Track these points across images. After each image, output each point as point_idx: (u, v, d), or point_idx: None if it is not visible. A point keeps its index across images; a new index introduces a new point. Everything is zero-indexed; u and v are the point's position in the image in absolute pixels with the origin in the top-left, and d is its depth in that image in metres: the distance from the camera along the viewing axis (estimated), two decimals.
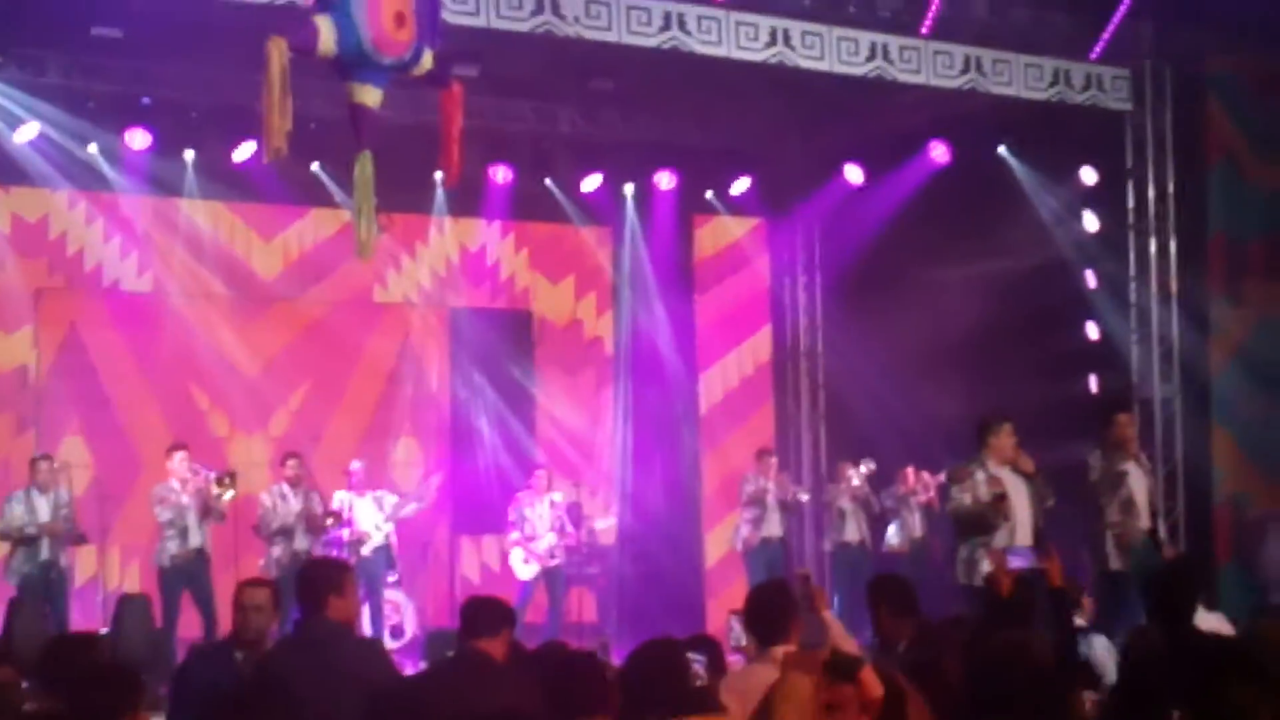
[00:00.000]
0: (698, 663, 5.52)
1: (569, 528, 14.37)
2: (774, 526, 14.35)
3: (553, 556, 14.04)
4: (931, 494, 14.42)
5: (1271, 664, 6.10)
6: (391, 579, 14.22)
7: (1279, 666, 6.32)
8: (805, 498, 15.51)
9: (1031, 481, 10.04)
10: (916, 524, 14.66)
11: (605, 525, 15.56)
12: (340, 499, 13.67)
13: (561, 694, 4.72)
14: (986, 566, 9.64)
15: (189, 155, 14.59)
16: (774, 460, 14.75)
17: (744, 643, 6.83)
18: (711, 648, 5.79)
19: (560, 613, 14.20)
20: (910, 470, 14.59)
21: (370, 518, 13.73)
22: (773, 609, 5.97)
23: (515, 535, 14.12)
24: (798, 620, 6.00)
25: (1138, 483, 10.87)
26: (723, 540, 15.84)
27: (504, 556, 14.61)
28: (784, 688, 4.40)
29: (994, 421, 10.05)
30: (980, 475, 9.93)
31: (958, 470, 10.25)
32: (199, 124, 14.24)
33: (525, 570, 14.06)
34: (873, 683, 4.62)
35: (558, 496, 14.46)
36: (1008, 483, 9.91)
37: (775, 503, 14.32)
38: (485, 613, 6.12)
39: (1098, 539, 10.66)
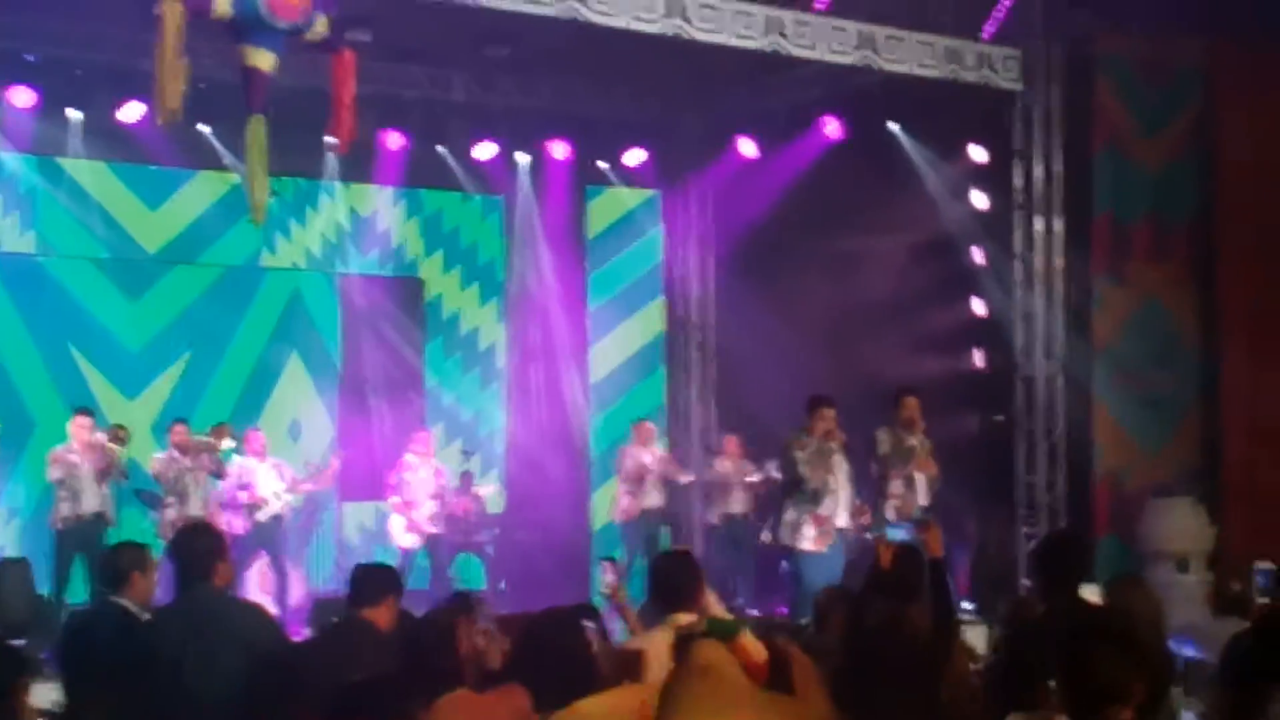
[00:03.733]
0: (589, 629, 5.60)
1: (450, 496, 14.37)
2: (654, 497, 14.42)
3: (433, 524, 14.04)
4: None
5: (1140, 632, 6.26)
6: None
7: (1147, 635, 6.49)
8: (686, 480, 15.46)
9: (847, 457, 10.74)
10: None
11: (487, 490, 15.49)
12: (241, 464, 13.56)
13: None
14: (811, 532, 10.13)
15: (74, 114, 14.33)
16: (651, 428, 14.79)
17: (613, 589, 6.93)
18: (595, 615, 5.87)
19: (445, 579, 14.20)
20: None
21: (270, 484, 13.62)
22: (678, 577, 6.05)
23: (395, 500, 14.12)
24: (702, 589, 6.09)
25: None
26: (608, 509, 15.91)
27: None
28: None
29: (817, 404, 10.79)
30: (814, 446, 10.43)
31: (794, 437, 10.86)
32: (85, 83, 13.98)
33: (406, 538, 14.06)
34: (753, 647, 4.66)
35: (440, 463, 14.47)
36: (832, 458, 10.53)
37: (655, 477, 14.39)
38: (371, 580, 6.13)
39: (879, 506, 11.29)
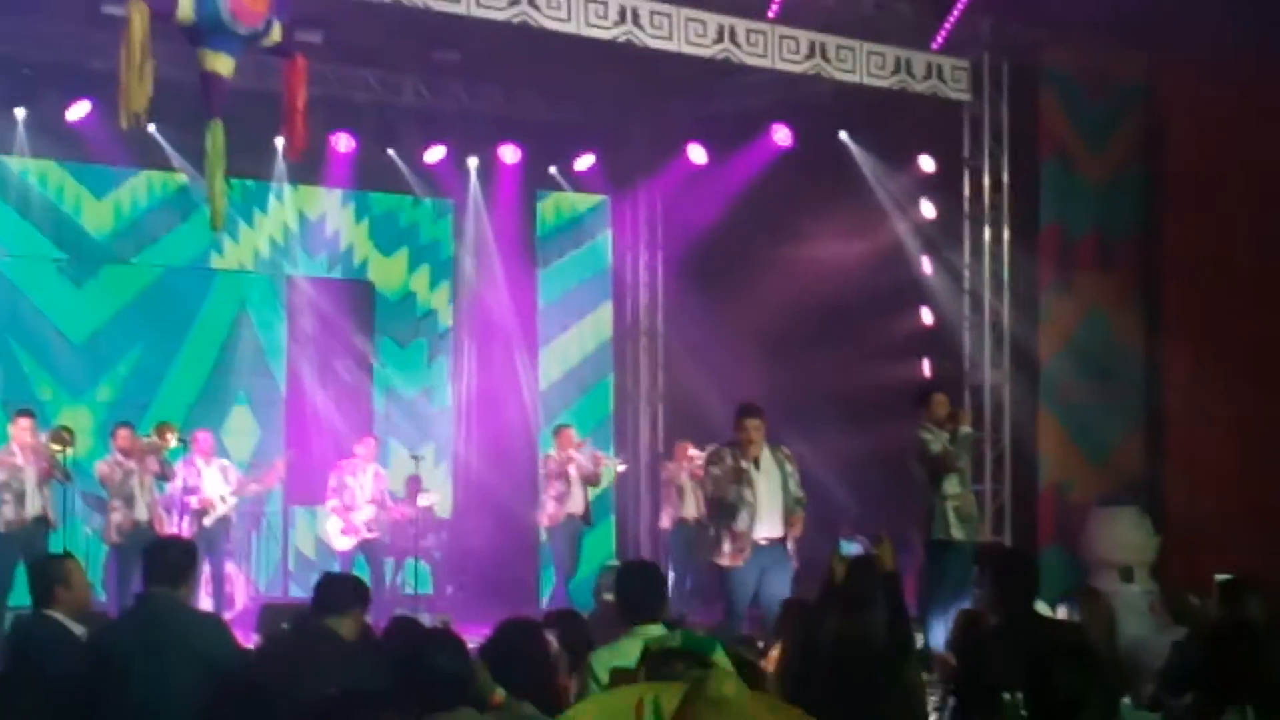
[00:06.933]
0: (551, 638, 5.67)
1: (390, 501, 14.32)
2: (577, 503, 14.39)
3: (370, 529, 13.97)
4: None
5: (1099, 645, 6.34)
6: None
7: (1103, 647, 6.58)
8: (621, 468, 15.65)
9: (784, 469, 10.43)
10: None
11: (432, 500, 15.35)
12: (187, 466, 13.47)
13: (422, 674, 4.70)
14: (727, 547, 10.13)
15: (20, 112, 14.20)
16: (572, 432, 14.77)
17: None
18: (570, 621, 5.95)
19: (384, 585, 14.13)
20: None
21: (216, 487, 13.55)
22: (644, 588, 6.09)
23: (334, 503, 14.04)
24: (665, 601, 6.14)
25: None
26: None
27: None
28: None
29: (738, 415, 10.45)
30: (729, 462, 10.31)
31: (713, 453, 10.72)
32: (31, 81, 13.88)
33: (341, 541, 13.98)
34: (725, 664, 4.65)
35: (381, 469, 14.41)
36: (753, 471, 10.29)
37: (578, 477, 14.37)
38: (339, 589, 6.12)
39: (938, 510, 10.94)
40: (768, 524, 10.27)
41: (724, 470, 10.32)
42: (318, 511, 14.91)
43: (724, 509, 10.29)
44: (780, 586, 9.99)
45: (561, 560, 14.36)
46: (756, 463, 10.32)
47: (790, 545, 10.35)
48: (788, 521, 10.34)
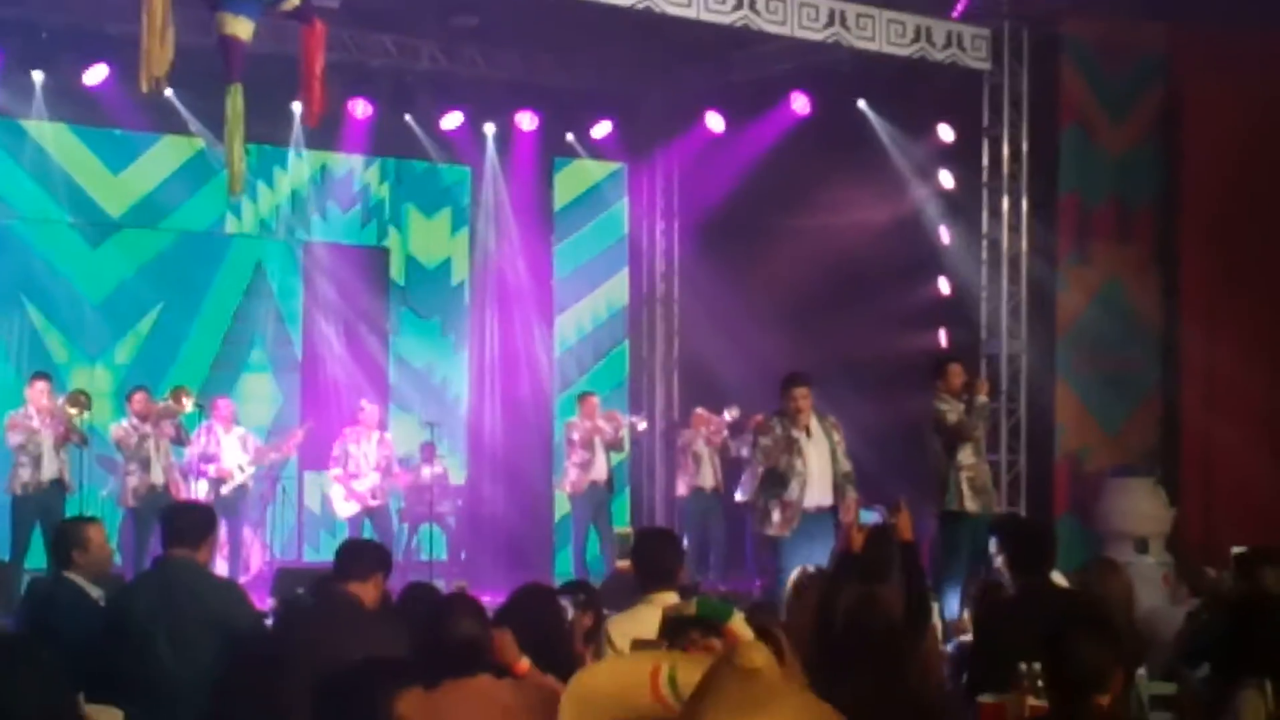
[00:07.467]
0: (567, 606, 5.69)
1: (396, 468, 14.33)
2: (600, 470, 14.41)
3: (374, 497, 13.99)
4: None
5: (1114, 616, 6.33)
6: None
7: (1120, 619, 6.57)
8: (642, 426, 15.80)
9: (831, 439, 10.47)
10: None
11: (429, 474, 15.20)
12: (207, 434, 13.51)
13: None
14: (776, 517, 10.15)
15: (38, 76, 14.19)
16: (596, 401, 14.76)
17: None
18: (585, 590, 5.98)
19: (393, 551, 14.14)
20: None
21: (235, 456, 13.59)
22: (663, 555, 6.11)
23: (336, 471, 14.07)
24: (681, 567, 6.16)
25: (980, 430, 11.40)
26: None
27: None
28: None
29: (786, 383, 10.47)
30: (779, 431, 10.34)
31: (762, 423, 10.78)
32: (49, 44, 13.85)
33: (345, 508, 14.01)
34: (743, 630, 4.63)
35: (387, 435, 14.41)
36: (803, 440, 10.33)
37: (602, 445, 14.39)
38: (360, 555, 6.14)
39: (952, 480, 10.89)
40: (818, 492, 10.31)
41: (774, 440, 10.32)
42: (324, 477, 14.95)
43: (774, 479, 10.31)
44: (822, 557, 9.98)
45: (583, 528, 14.36)
46: (807, 431, 10.32)
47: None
48: (839, 496, 10.36)
